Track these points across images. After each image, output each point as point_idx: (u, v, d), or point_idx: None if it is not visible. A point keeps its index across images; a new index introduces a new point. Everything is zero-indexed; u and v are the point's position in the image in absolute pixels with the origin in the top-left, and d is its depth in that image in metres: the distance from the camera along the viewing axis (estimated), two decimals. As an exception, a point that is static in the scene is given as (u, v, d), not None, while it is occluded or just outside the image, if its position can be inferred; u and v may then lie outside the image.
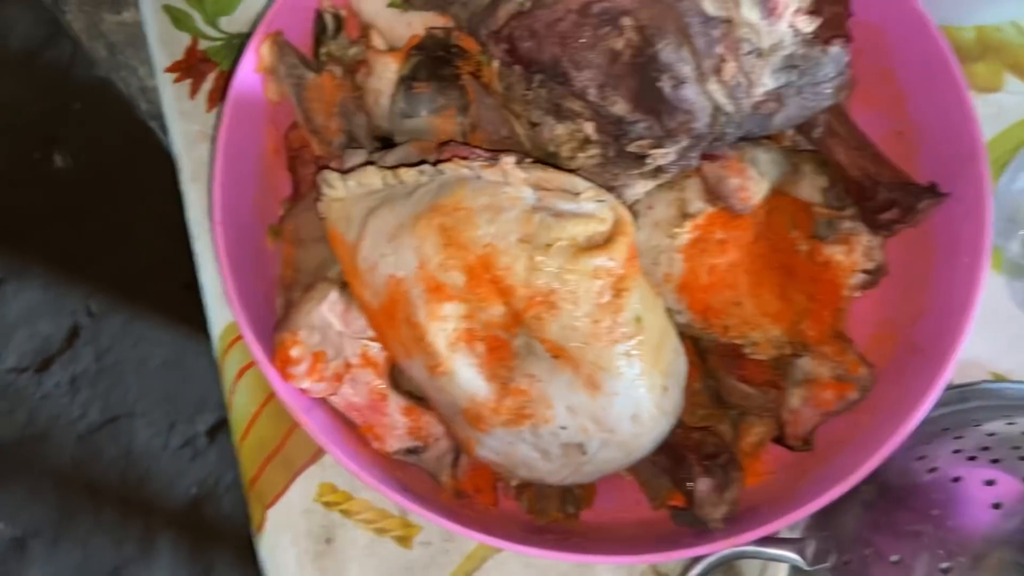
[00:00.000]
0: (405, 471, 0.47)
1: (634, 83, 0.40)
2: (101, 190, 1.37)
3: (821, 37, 0.43)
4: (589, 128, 0.43)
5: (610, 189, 0.43)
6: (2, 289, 1.35)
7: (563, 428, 0.40)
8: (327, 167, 0.47)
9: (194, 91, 0.60)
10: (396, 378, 0.46)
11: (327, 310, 0.44)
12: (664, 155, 0.41)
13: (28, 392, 1.31)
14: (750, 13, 0.40)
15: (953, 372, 0.52)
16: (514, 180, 0.40)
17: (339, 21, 0.52)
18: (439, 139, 0.47)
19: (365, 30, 0.52)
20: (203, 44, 0.61)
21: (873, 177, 0.47)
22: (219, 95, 0.59)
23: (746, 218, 0.46)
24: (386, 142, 0.50)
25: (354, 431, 0.47)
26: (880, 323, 0.49)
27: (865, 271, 0.47)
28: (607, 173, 0.44)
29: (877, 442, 0.42)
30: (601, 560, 0.44)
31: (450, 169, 0.42)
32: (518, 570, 0.52)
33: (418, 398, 0.46)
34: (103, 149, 1.38)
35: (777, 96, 0.43)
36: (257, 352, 0.44)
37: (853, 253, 0.47)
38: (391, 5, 0.51)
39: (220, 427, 1.27)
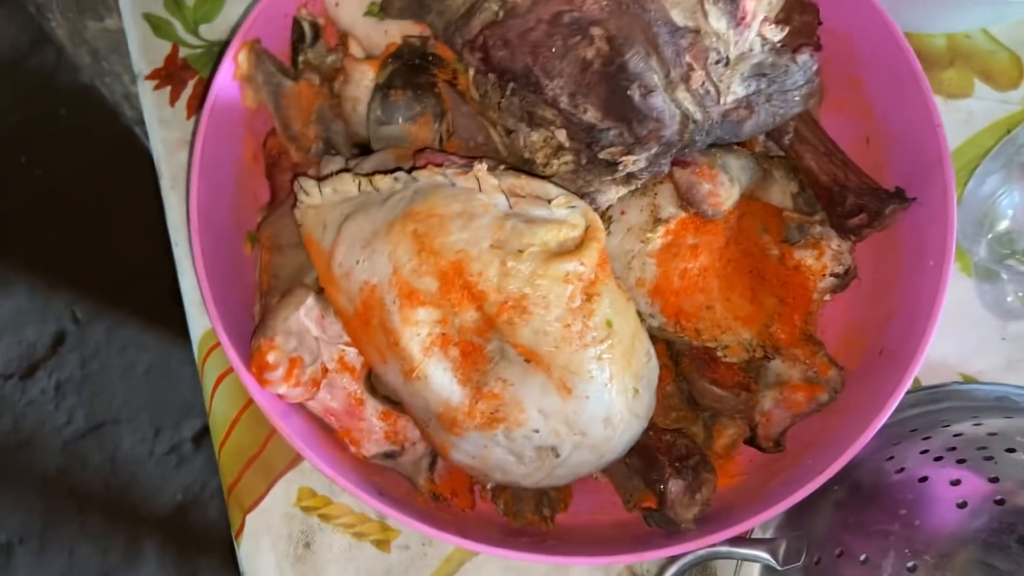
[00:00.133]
0: (382, 475, 0.47)
1: (604, 91, 0.40)
2: (86, 195, 1.37)
3: (790, 45, 0.44)
4: (561, 135, 0.43)
5: (584, 195, 0.44)
6: (-14, 295, 1.35)
7: (536, 431, 0.41)
8: (304, 174, 0.47)
9: (174, 98, 0.60)
10: (373, 383, 0.47)
11: (304, 315, 0.45)
12: (635, 162, 0.42)
13: (13, 399, 1.30)
14: (718, 23, 0.41)
15: (923, 373, 0.53)
16: (487, 187, 0.41)
17: (317, 29, 0.52)
18: (416, 146, 0.48)
19: (343, 38, 0.53)
20: (183, 52, 0.61)
21: (842, 183, 0.48)
22: (199, 102, 0.60)
23: (717, 223, 0.46)
24: (365, 149, 0.51)
25: (331, 436, 0.47)
26: (849, 325, 0.50)
27: (834, 275, 0.48)
28: (580, 179, 0.44)
29: (845, 442, 0.43)
30: (577, 561, 0.45)
31: (424, 176, 0.42)
32: (497, 572, 0.52)
33: (395, 403, 0.47)
34: (88, 154, 1.38)
35: (747, 103, 0.43)
36: (234, 358, 0.45)
37: (823, 257, 0.48)
38: (368, 13, 0.51)
39: (206, 433, 1.27)
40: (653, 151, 0.42)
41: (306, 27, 0.52)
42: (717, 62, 0.41)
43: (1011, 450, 0.44)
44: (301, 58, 0.52)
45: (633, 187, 0.44)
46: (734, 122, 0.44)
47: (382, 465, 0.48)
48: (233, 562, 0.54)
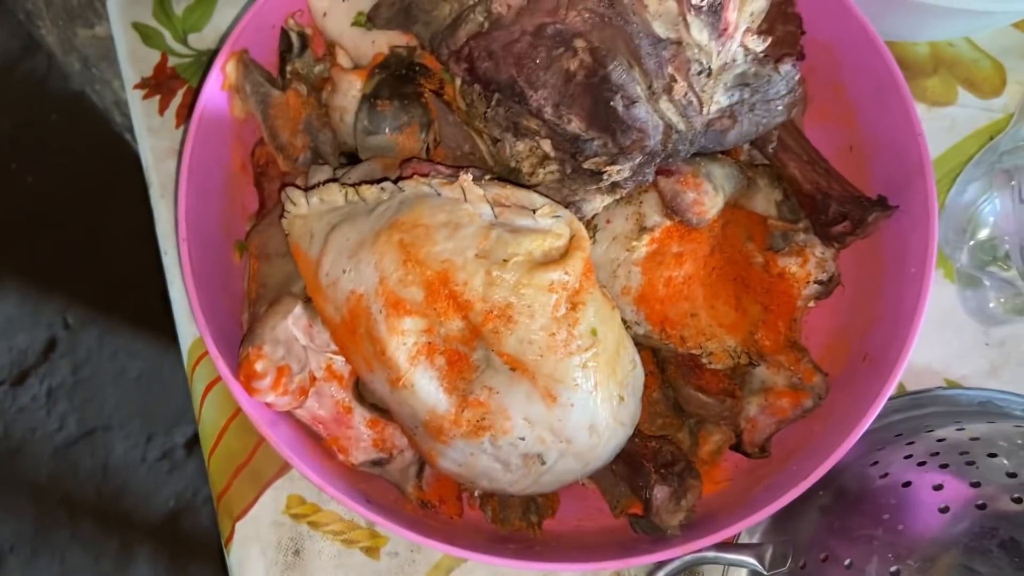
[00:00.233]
0: (370, 483, 0.48)
1: (588, 102, 0.41)
2: (77, 202, 1.37)
3: (773, 56, 0.45)
4: (547, 145, 0.44)
5: (569, 204, 0.44)
6: (-23, 302, 1.35)
7: (522, 439, 0.41)
8: (292, 184, 0.47)
9: (163, 107, 0.61)
10: (361, 391, 0.47)
11: (292, 324, 0.45)
12: (619, 171, 0.42)
13: (4, 405, 1.30)
14: (700, 35, 0.41)
15: (907, 379, 0.54)
16: (472, 197, 0.41)
17: (304, 39, 0.53)
18: (403, 155, 0.48)
19: (330, 48, 0.53)
20: (172, 61, 0.61)
21: (825, 191, 0.48)
22: (188, 111, 0.60)
23: (702, 231, 0.47)
24: (353, 158, 0.51)
25: (319, 444, 0.48)
26: (833, 332, 0.50)
27: (818, 282, 0.48)
28: (566, 188, 0.45)
29: (829, 448, 0.43)
30: (564, 568, 0.45)
31: (410, 186, 0.43)
32: (485, 579, 0.52)
33: (382, 411, 0.47)
34: (79, 161, 1.38)
35: (730, 113, 0.44)
36: (222, 367, 0.45)
37: (807, 264, 0.48)
38: (356, 24, 0.51)
39: (198, 439, 1.26)
40: (637, 161, 0.42)
41: (294, 37, 0.52)
42: (699, 73, 0.42)
43: (993, 455, 0.44)
44: (289, 68, 0.52)
45: (618, 196, 0.45)
46: (718, 132, 0.44)
47: (370, 473, 0.48)
48: (226, 569, 0.54)
